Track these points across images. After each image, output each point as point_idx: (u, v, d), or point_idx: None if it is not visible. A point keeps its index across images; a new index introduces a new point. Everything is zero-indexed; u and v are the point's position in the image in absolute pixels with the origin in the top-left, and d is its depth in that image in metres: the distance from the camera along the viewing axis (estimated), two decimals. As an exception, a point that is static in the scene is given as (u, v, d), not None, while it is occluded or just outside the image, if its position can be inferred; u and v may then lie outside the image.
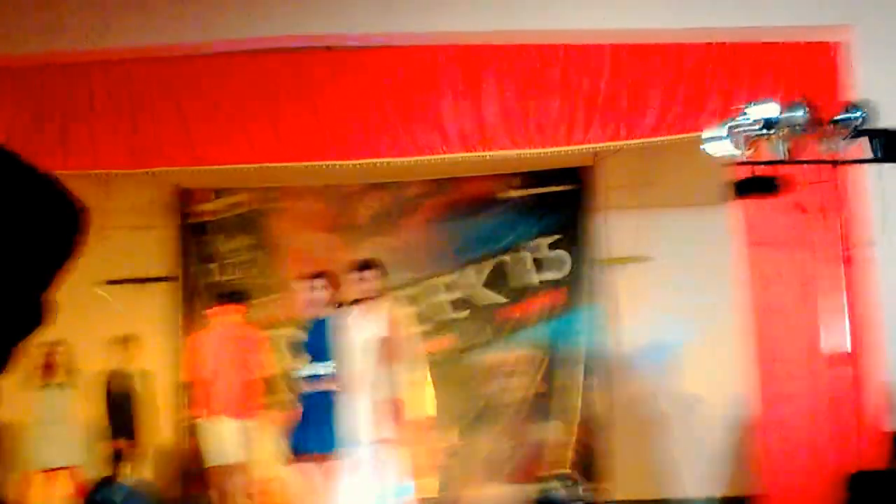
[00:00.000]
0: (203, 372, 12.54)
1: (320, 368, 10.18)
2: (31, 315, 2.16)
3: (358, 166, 11.97)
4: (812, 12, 11.33)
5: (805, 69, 11.45)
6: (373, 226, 14.74)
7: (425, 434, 12.77)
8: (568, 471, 12.72)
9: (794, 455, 11.12)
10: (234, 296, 13.08)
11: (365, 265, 10.45)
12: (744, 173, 9.99)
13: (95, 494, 10.50)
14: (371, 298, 10.30)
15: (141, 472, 13.08)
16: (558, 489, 11.56)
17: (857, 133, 9.68)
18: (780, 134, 9.66)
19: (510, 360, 14.43)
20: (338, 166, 11.97)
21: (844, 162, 9.86)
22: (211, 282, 14.64)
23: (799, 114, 9.61)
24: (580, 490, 11.61)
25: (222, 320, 12.75)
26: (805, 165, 10.25)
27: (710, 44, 11.49)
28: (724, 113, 11.01)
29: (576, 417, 14.20)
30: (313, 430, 10.14)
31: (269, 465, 12.02)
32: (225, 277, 14.61)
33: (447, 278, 14.61)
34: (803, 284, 11.25)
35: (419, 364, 10.79)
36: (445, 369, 14.12)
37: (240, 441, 12.29)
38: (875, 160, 9.88)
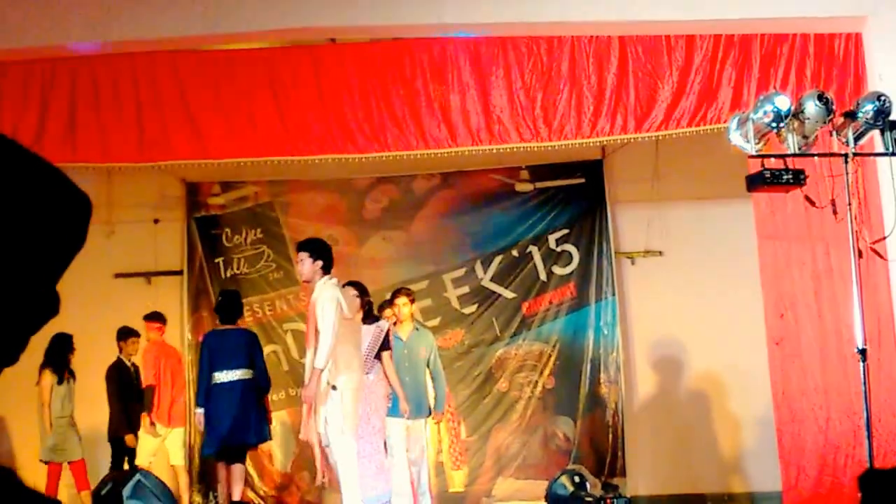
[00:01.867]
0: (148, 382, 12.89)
1: (238, 374, 11.43)
2: (44, 305, 2.13)
3: (365, 159, 11.91)
4: (825, 3, 11.24)
5: (817, 61, 11.37)
6: (381, 220, 14.69)
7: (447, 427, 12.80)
8: (577, 466, 12.63)
9: (808, 451, 11.04)
10: (154, 316, 13.08)
11: (298, 247, 10.61)
12: (755, 166, 9.91)
13: (102, 488, 10.42)
14: (307, 281, 10.44)
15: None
16: (568, 485, 11.46)
17: (871, 126, 9.59)
18: (792, 127, 9.56)
19: (519, 355, 14.36)
20: (345, 159, 11.90)
21: (857, 155, 9.74)
22: (218, 276, 14.59)
23: (811, 106, 9.51)
24: (590, 486, 11.52)
25: (150, 336, 13.10)
26: (817, 158, 10.16)
27: (720, 35, 11.41)
28: (735, 106, 10.96)
29: (585, 413, 14.12)
30: (239, 426, 11.30)
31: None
32: (232, 271, 14.54)
33: (456, 273, 14.54)
34: (816, 279, 11.18)
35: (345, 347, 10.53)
36: (454, 364, 14.09)
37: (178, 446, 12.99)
38: (888, 153, 9.79)
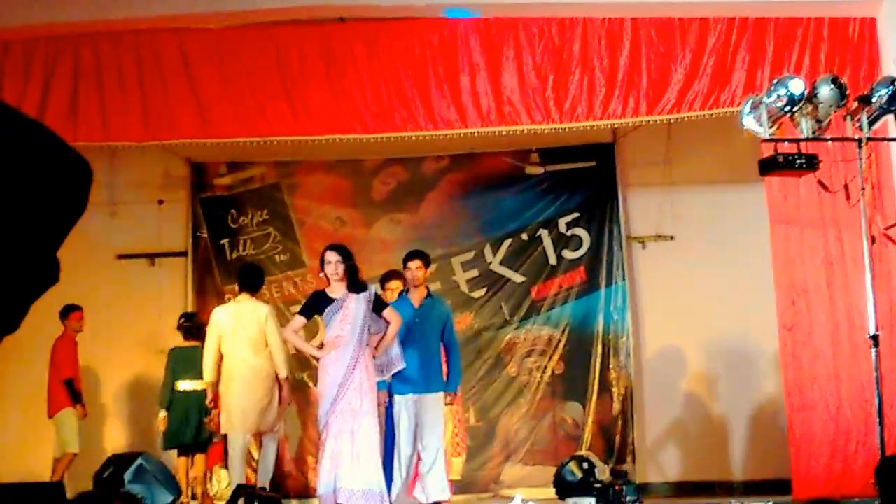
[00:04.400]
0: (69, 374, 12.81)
1: (195, 385, 12.25)
2: (45, 272, 2.19)
3: (374, 140, 11.84)
4: (839, -14, 11.19)
5: (832, 45, 11.31)
6: (389, 201, 14.59)
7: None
8: (586, 452, 12.54)
9: (818, 438, 10.98)
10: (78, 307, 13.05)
11: None
12: (768, 150, 9.83)
13: (104, 471, 10.36)
14: None
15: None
16: (576, 471, 11.37)
17: (885, 110, 9.52)
18: (806, 111, 9.49)
19: (529, 339, 14.27)
20: (353, 140, 11.83)
21: (871, 140, 9.66)
22: (223, 257, 14.51)
23: (825, 90, 9.44)
24: (599, 472, 11.42)
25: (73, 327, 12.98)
26: (831, 143, 10.07)
27: (734, 18, 11.33)
28: (749, 89, 10.88)
29: (595, 398, 14.04)
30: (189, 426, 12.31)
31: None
32: (238, 253, 14.47)
33: (464, 256, 14.44)
34: (828, 264, 11.10)
35: None
36: (463, 349, 14.00)
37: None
38: (902, 138, 9.74)
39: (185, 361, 12.52)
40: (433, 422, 10.94)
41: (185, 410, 12.48)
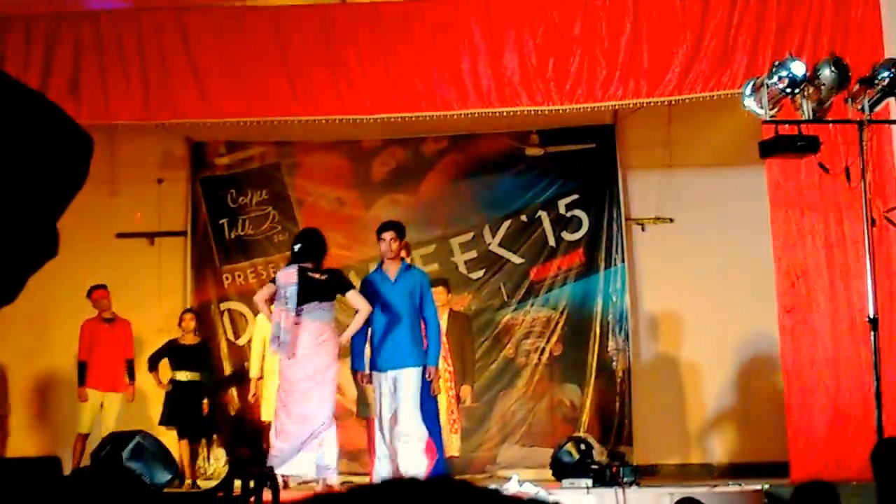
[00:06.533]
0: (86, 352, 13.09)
1: (187, 375, 13.14)
2: (44, 244, 2.16)
3: (374, 121, 11.83)
4: (843, -33, 11.16)
5: (834, 26, 11.26)
6: (389, 182, 14.56)
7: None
8: (584, 434, 12.54)
9: (816, 421, 10.97)
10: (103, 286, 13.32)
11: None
12: (769, 132, 9.81)
13: (101, 450, 10.35)
14: None
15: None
16: (573, 452, 11.38)
17: (886, 93, 9.51)
18: (807, 93, 9.47)
19: (527, 321, 14.25)
20: (353, 121, 11.83)
21: (872, 122, 9.65)
22: (222, 237, 14.49)
23: (826, 72, 9.42)
24: (596, 453, 11.43)
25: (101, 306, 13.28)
26: (832, 125, 10.06)
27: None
28: (750, 71, 10.86)
29: (593, 380, 14.03)
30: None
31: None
32: (237, 233, 14.45)
33: (463, 237, 14.41)
34: (828, 247, 11.09)
35: None
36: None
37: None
38: (903, 121, 9.73)
39: (184, 356, 13.21)
40: (412, 396, 10.51)
41: (184, 397, 13.07)
